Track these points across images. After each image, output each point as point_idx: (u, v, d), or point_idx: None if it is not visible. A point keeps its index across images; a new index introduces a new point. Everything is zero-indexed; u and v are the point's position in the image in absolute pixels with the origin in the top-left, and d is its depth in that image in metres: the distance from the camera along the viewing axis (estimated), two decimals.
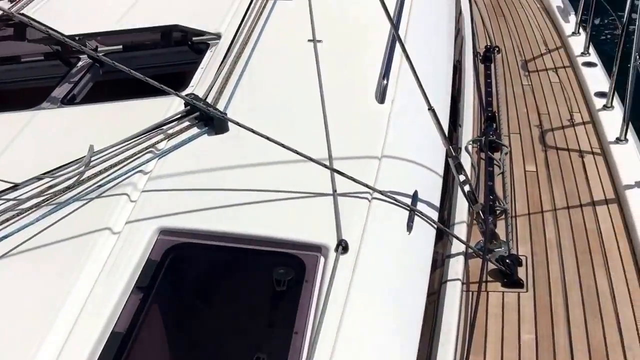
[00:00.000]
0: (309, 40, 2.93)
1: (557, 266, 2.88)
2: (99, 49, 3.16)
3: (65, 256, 1.85)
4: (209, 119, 2.34)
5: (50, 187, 1.99)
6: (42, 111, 2.68)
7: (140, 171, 2.14)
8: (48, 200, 1.94)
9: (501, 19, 5.36)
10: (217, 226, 1.94)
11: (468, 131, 3.54)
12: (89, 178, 2.05)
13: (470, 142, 3.44)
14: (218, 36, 3.10)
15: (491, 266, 2.80)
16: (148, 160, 2.17)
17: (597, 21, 4.62)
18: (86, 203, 2.01)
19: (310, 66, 2.71)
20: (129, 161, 2.13)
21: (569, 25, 4.97)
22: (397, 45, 2.64)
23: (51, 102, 2.76)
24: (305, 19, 3.05)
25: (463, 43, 4.24)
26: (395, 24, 2.92)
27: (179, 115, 2.36)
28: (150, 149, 2.21)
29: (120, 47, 3.18)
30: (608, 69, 4.17)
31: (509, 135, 3.85)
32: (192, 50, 3.08)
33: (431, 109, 2.24)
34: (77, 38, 2.92)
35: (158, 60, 3.20)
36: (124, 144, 2.18)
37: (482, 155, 3.53)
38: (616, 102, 3.88)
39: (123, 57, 3.10)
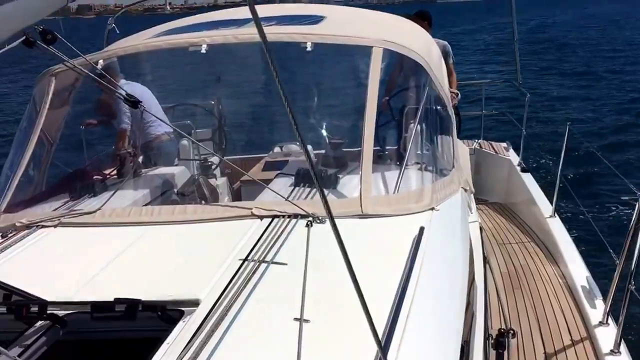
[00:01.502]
0: (295, 319, 2.57)
1: None
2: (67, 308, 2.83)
3: None
4: None
5: None
6: None
7: None
8: None
9: (518, 294, 4.98)
10: None
11: None
12: None
13: None
14: (196, 303, 2.76)
15: None
16: None
17: (632, 309, 4.17)
18: None
19: (291, 354, 2.32)
20: None
21: (595, 312, 4.54)
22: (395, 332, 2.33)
23: None
24: (297, 290, 2.72)
25: (473, 320, 3.85)
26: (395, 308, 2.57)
27: None
28: None
29: (89, 307, 2.85)
30: None
31: None
32: (164, 319, 2.73)
33: None
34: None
35: (127, 325, 2.84)
36: None
37: None
38: None
39: (90, 319, 2.75)
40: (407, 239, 3.18)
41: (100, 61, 4.22)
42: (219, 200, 6.35)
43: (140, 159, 6.06)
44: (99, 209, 3.70)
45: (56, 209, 4.01)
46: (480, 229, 4.75)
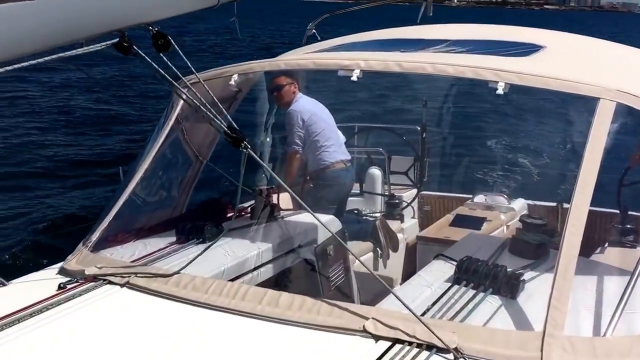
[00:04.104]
0: None
1: None
2: None
3: None
4: None
5: None
6: None
7: None
8: None
9: None
10: None
11: None
12: None
13: None
14: None
15: None
16: None
17: None
18: None
19: None
20: None
21: None
22: None
23: None
24: None
25: None
26: None
27: None
28: None
29: None
30: None
31: None
32: None
33: None
34: None
35: None
36: None
37: None
38: None
39: None
40: None
41: (235, 76, 3.35)
42: (397, 248, 5.20)
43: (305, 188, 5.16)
44: (179, 271, 2.78)
45: (149, 254, 3.21)
46: None
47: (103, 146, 12.34)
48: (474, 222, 4.79)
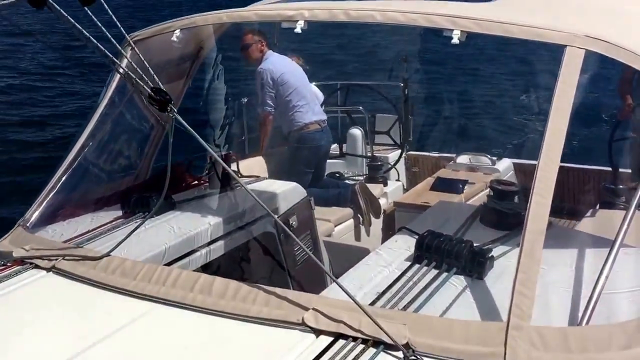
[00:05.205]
0: None
1: None
2: None
3: None
4: None
5: None
6: None
7: None
8: None
9: None
10: None
11: None
12: None
13: None
14: None
15: None
16: None
17: None
18: None
19: None
20: None
21: None
22: None
23: None
24: None
25: None
26: None
27: None
28: None
29: None
30: None
31: None
32: None
33: None
34: None
35: None
36: None
37: None
38: None
39: None
40: None
41: (177, 32, 3.03)
42: (379, 214, 4.90)
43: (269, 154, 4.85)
44: (108, 253, 2.49)
45: (86, 232, 2.93)
46: None
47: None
48: (455, 186, 4.48)
